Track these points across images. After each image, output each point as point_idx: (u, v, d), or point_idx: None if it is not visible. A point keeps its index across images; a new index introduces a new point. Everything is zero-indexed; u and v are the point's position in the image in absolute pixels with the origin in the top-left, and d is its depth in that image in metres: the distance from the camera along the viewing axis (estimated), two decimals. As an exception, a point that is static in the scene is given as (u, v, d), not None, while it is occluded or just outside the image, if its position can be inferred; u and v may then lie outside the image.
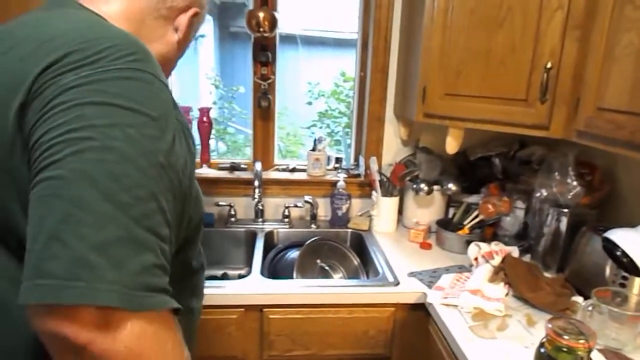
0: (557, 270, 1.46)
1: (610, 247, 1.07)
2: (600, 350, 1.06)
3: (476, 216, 1.70)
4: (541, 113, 1.29)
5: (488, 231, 1.73)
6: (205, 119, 1.87)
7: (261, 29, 1.72)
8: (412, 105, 1.54)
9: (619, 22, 1.06)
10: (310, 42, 3.12)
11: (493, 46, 1.33)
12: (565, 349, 0.85)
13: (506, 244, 1.57)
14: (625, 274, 1.16)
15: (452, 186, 1.76)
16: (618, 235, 1.04)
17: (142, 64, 0.55)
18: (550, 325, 0.89)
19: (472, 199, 1.77)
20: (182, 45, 0.78)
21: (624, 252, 1.03)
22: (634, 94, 1.02)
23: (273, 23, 1.73)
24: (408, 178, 1.78)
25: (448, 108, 1.45)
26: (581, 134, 1.21)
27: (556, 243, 1.46)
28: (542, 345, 0.91)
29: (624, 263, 1.04)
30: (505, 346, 1.09)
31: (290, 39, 2.95)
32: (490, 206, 1.64)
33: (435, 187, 1.77)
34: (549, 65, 1.25)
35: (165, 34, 0.75)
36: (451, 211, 1.85)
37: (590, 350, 0.85)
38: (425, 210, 1.81)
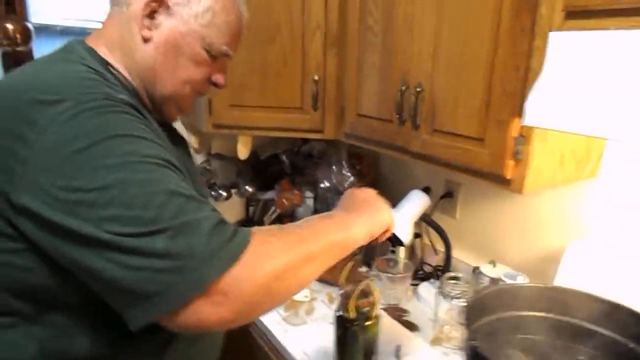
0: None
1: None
2: (384, 309, 1.33)
3: (274, 211, 1.85)
4: (315, 119, 1.48)
5: (286, 222, 1.91)
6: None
7: (11, 42, 1.48)
8: (201, 116, 1.57)
9: (364, 44, 1.29)
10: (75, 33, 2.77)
11: (269, 60, 1.45)
12: (352, 309, 1.02)
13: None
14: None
15: (248, 187, 1.87)
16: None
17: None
18: (341, 291, 1.06)
19: (268, 195, 1.92)
20: (159, 45, 0.74)
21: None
22: (380, 103, 1.27)
23: (27, 35, 1.51)
24: (206, 185, 1.82)
25: (235, 118, 1.53)
26: (348, 136, 1.44)
27: (341, 225, 1.72)
28: (337, 310, 1.07)
29: (390, 237, 1.31)
30: (315, 327, 1.26)
31: (49, 31, 2.55)
32: (284, 200, 1.81)
33: (233, 190, 1.86)
34: (316, 78, 1.44)
35: (133, 38, 0.73)
36: (251, 210, 1.97)
37: (373, 306, 1.04)
38: (227, 214, 1.88)
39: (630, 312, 0.82)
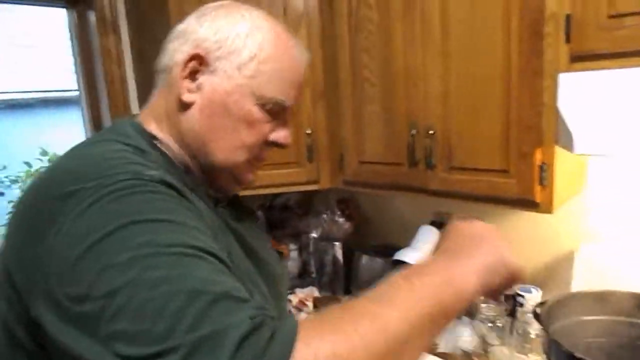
0: (344, 292, 1.72)
1: (400, 264, 1.36)
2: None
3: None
4: (311, 171, 1.50)
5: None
6: None
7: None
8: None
9: (361, 94, 1.36)
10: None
11: (257, 119, 1.45)
12: None
13: (294, 285, 1.73)
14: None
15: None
16: (406, 255, 1.33)
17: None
18: None
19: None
20: (204, 108, 0.65)
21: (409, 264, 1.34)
22: (387, 149, 1.33)
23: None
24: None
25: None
26: (348, 183, 1.47)
27: (338, 271, 1.72)
28: None
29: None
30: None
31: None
32: (272, 257, 1.76)
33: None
34: (309, 131, 1.46)
35: (176, 105, 0.66)
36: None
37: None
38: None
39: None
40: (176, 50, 0.66)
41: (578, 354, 0.80)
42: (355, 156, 1.42)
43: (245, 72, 0.65)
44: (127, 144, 0.61)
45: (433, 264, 0.56)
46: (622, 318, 0.96)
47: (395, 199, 1.72)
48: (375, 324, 0.44)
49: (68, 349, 0.45)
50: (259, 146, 0.69)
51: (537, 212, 1.10)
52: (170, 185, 0.54)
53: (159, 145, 0.66)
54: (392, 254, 1.41)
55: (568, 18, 0.94)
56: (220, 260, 0.49)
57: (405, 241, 1.35)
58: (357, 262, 1.64)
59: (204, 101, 0.65)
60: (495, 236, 0.61)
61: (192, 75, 0.65)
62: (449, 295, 0.50)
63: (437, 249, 0.61)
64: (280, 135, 0.70)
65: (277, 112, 0.68)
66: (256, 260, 0.72)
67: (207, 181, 0.70)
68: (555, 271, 1.36)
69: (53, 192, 0.52)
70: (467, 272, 0.54)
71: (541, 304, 1.01)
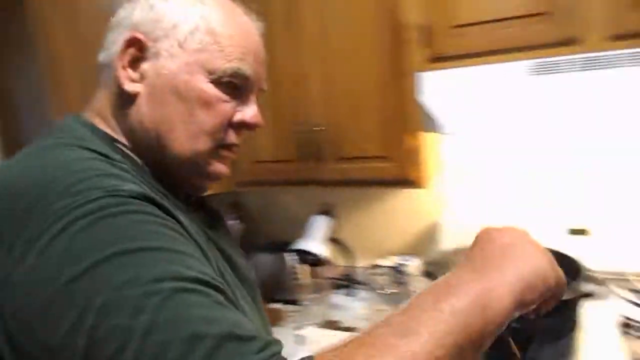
0: (242, 294, 1.76)
1: (302, 254, 1.47)
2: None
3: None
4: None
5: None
6: None
7: None
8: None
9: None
10: None
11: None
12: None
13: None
14: (297, 269, 1.61)
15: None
16: (306, 245, 1.45)
17: None
18: None
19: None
20: (150, 96, 0.56)
21: (310, 252, 1.46)
22: (278, 147, 1.44)
23: None
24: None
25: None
26: (241, 184, 1.54)
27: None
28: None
29: (313, 260, 1.48)
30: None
31: None
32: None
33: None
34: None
35: (120, 98, 0.57)
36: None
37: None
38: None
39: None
40: (113, 41, 0.58)
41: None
42: (248, 157, 1.50)
43: (189, 47, 0.56)
44: (90, 149, 0.51)
45: (462, 280, 0.45)
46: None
47: (284, 196, 1.83)
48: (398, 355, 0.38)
49: None
50: (223, 130, 0.59)
51: (412, 188, 1.32)
52: (151, 201, 0.47)
53: (120, 147, 0.57)
54: (285, 249, 1.52)
55: (424, 28, 1.17)
56: (217, 289, 0.43)
57: (297, 235, 1.47)
58: (252, 261, 1.71)
59: (150, 89, 0.56)
60: (531, 243, 0.51)
61: (133, 63, 0.57)
62: (479, 319, 0.42)
63: (468, 258, 0.50)
64: (247, 114, 0.60)
65: (237, 88, 0.59)
66: (234, 268, 0.64)
67: (173, 184, 0.60)
68: (429, 238, 1.62)
69: (8, 207, 0.43)
70: (500, 290, 0.44)
71: (428, 264, 1.21)
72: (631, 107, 1.04)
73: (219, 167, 0.61)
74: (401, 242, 1.69)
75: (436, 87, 1.17)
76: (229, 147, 0.61)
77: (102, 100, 0.59)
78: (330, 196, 1.62)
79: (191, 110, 0.56)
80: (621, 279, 1.21)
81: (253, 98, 0.61)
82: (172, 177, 0.59)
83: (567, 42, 1.04)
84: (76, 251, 0.40)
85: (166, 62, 0.56)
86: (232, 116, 0.59)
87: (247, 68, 0.59)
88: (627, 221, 1.30)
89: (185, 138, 0.57)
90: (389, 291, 1.47)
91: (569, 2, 1.04)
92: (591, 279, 1.00)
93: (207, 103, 0.57)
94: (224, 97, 0.58)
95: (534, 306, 0.48)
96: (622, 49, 1.01)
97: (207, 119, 0.57)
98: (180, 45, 0.56)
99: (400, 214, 1.65)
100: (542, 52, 1.06)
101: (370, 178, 1.34)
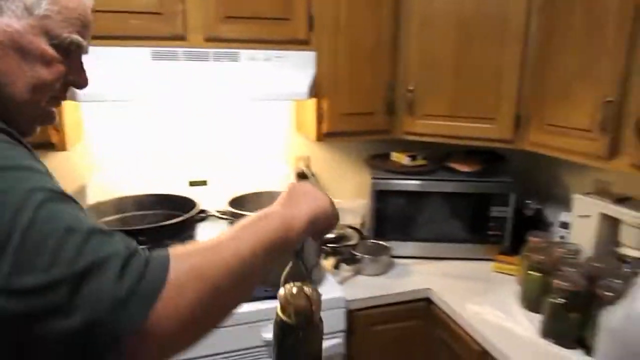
0: None
1: None
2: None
3: None
4: None
5: None
6: None
7: None
8: None
9: None
10: None
11: None
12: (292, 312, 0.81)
13: None
14: None
15: None
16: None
17: None
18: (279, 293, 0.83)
19: None
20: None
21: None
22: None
23: None
24: None
25: None
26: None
27: None
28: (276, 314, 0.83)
29: None
30: None
31: None
32: None
33: None
34: None
35: None
36: None
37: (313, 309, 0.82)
38: None
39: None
40: None
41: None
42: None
43: (35, 12, 0.64)
44: None
45: (275, 210, 0.70)
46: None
47: None
48: (229, 254, 0.57)
49: None
50: (59, 85, 0.69)
51: (54, 151, 1.44)
52: (9, 133, 0.56)
53: None
54: None
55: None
56: (74, 201, 0.54)
57: None
58: None
59: None
60: (319, 193, 0.78)
61: None
62: (285, 232, 0.66)
63: (277, 203, 0.73)
64: (82, 76, 0.72)
65: (72, 52, 0.69)
66: None
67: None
68: (79, 197, 1.75)
69: None
70: (299, 218, 0.69)
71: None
72: (222, 88, 1.51)
73: (51, 115, 0.72)
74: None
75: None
76: (58, 99, 0.72)
77: None
78: None
79: (34, 66, 0.65)
80: (225, 212, 1.72)
81: (82, 60, 0.73)
82: (11, 122, 0.66)
83: (177, 38, 1.43)
84: None
85: (11, 21, 0.63)
86: (66, 74, 0.69)
87: (84, 40, 0.70)
88: (232, 174, 1.84)
89: (26, 90, 0.65)
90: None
91: (176, 8, 1.41)
92: (203, 212, 1.48)
93: (48, 62, 0.66)
94: (60, 59, 0.67)
95: (324, 234, 0.78)
96: (215, 48, 1.47)
97: (48, 75, 0.67)
98: (27, 9, 0.64)
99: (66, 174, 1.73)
100: (161, 42, 1.42)
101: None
